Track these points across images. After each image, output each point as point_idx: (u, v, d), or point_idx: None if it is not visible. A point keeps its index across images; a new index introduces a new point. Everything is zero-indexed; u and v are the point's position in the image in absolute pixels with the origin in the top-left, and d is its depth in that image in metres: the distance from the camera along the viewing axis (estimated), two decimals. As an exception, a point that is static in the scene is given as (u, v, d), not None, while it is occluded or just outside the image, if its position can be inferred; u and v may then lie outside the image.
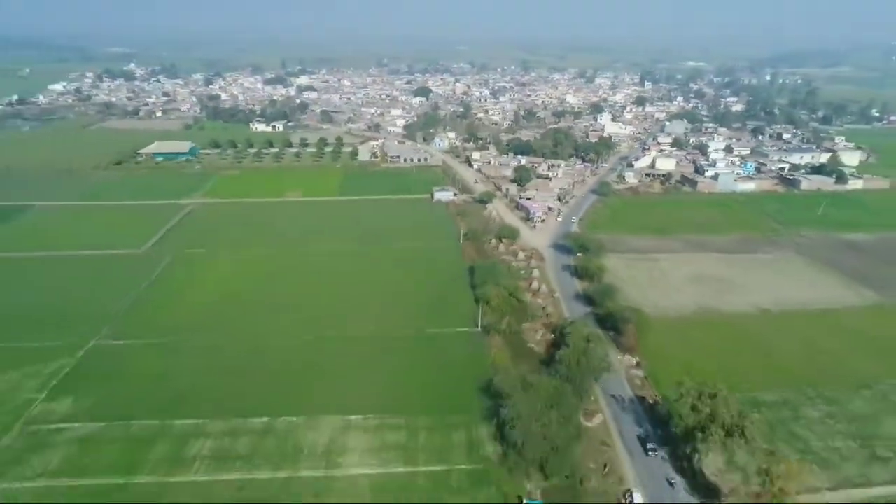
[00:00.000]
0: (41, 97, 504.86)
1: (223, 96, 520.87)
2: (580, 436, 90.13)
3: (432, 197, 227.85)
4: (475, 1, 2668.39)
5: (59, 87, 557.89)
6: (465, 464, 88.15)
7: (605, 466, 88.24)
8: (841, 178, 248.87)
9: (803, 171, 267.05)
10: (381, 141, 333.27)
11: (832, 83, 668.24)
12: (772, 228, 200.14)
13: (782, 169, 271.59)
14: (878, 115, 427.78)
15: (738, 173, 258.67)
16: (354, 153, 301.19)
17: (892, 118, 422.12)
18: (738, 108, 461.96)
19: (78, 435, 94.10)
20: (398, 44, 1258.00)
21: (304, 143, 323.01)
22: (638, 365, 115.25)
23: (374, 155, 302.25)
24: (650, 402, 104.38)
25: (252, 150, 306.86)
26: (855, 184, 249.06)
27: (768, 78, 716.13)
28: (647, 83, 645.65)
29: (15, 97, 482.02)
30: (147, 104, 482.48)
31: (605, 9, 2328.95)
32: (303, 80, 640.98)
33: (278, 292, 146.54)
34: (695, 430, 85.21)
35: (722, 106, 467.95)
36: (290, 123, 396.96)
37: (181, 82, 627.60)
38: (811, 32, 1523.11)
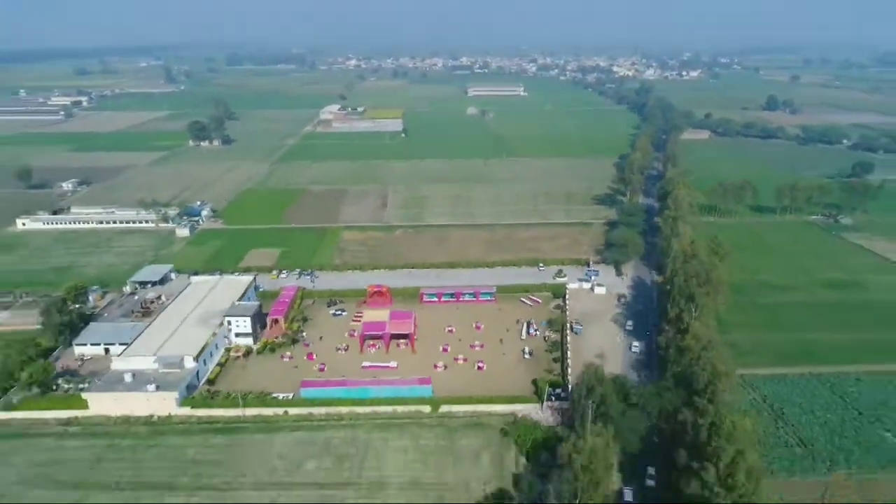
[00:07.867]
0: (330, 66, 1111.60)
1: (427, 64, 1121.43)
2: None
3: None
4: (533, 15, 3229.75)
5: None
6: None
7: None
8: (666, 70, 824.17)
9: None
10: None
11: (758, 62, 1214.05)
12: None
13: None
14: (723, 60, 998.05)
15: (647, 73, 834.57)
16: (522, 71, 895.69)
17: (722, 60, 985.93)
18: (674, 64, 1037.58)
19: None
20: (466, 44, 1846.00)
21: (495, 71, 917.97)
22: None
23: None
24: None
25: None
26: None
27: (722, 60, 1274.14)
28: (642, 59, 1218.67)
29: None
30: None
31: (643, 18, 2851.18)
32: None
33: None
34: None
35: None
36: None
37: (386, 62, 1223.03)
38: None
